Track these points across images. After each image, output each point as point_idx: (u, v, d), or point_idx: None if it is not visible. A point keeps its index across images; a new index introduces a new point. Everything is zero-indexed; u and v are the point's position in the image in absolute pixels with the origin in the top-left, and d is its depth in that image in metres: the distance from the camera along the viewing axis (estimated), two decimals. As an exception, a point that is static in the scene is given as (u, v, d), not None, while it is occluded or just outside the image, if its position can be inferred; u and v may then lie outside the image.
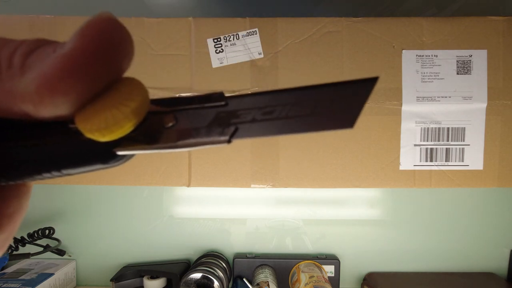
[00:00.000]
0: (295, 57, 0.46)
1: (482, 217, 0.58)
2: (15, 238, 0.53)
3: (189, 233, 0.60)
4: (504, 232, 0.58)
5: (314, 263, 0.55)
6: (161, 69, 0.47)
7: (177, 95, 0.09)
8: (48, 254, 0.55)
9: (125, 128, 0.10)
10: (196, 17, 0.46)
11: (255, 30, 0.46)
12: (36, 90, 0.09)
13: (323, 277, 0.50)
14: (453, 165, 0.47)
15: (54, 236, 0.57)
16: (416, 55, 0.46)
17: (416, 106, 0.46)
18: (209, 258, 0.55)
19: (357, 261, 0.59)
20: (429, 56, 0.46)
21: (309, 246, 0.59)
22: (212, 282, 0.49)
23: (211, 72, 0.46)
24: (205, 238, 0.60)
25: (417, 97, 0.46)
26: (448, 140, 0.47)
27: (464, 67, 0.46)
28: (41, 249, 0.53)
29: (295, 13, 0.58)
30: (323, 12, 0.58)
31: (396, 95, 0.46)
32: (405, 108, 0.46)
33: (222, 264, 0.54)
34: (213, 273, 0.49)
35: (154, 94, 0.47)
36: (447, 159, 0.47)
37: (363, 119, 0.47)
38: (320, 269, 0.54)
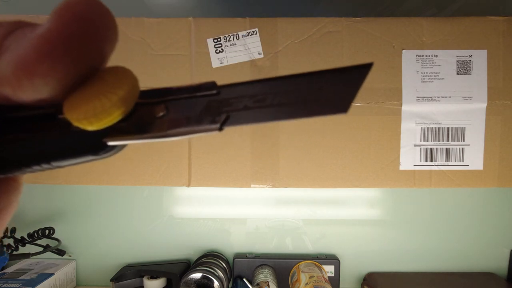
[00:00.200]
0: (295, 57, 0.46)
1: (482, 217, 0.58)
2: (15, 238, 0.53)
3: (189, 233, 0.60)
4: (504, 232, 0.58)
5: (314, 263, 0.55)
6: (161, 69, 0.47)
7: (168, 86, 0.09)
8: (48, 254, 0.55)
9: (113, 116, 0.10)
10: (196, 17, 0.46)
11: (255, 30, 0.46)
12: (13, 73, 0.09)
13: (323, 277, 0.50)
14: (453, 165, 0.47)
15: (54, 236, 0.57)
16: (416, 55, 0.46)
17: (416, 106, 0.46)
18: (209, 258, 0.55)
19: (357, 261, 0.59)
20: (429, 56, 0.46)
21: (309, 246, 0.59)
22: (212, 282, 0.49)
23: (211, 72, 0.46)
24: (205, 238, 0.60)
25: (417, 97, 0.46)
26: (448, 140, 0.47)
27: (464, 67, 0.46)
28: (41, 249, 0.53)
29: (295, 13, 0.58)
30: (323, 12, 0.58)
31: (396, 95, 0.46)
32: (405, 108, 0.46)
33: (222, 264, 0.54)
34: (213, 273, 0.49)
35: (154, 94, 0.47)
36: (447, 159, 0.47)
37: (363, 119, 0.47)
38: (320, 269, 0.54)
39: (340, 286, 0.56)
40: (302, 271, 0.52)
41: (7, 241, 0.53)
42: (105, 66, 0.10)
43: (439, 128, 0.47)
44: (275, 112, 0.10)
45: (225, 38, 0.46)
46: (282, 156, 0.47)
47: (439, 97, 0.46)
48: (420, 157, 0.47)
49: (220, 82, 0.10)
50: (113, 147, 0.11)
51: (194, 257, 0.59)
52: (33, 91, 0.09)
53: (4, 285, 0.49)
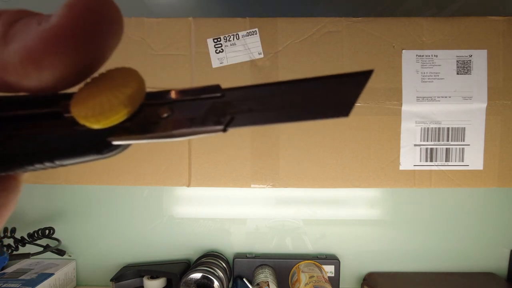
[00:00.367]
0: (295, 57, 0.46)
1: (482, 217, 0.58)
2: (15, 238, 0.53)
3: (189, 233, 0.60)
4: (504, 232, 0.58)
5: (314, 263, 0.55)
6: (161, 69, 0.47)
7: (173, 88, 0.10)
8: (48, 254, 0.55)
9: (120, 115, 0.10)
10: (196, 17, 0.46)
11: (255, 30, 0.46)
12: (21, 62, 0.09)
13: (323, 277, 0.50)
14: (453, 165, 0.47)
15: (54, 236, 0.57)
16: (416, 55, 0.46)
17: (416, 106, 0.46)
18: (209, 258, 0.55)
19: (357, 261, 0.59)
20: (429, 56, 0.46)
21: (309, 246, 0.59)
22: (212, 282, 0.49)
23: (211, 72, 0.46)
24: (205, 238, 0.60)
25: (417, 97, 0.46)
26: (448, 140, 0.47)
27: (464, 67, 0.46)
28: (41, 249, 0.53)
29: (295, 13, 0.58)
30: (323, 12, 0.58)
31: (396, 95, 0.46)
32: (405, 108, 0.46)
33: (222, 264, 0.54)
34: (213, 273, 0.49)
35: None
36: (447, 159, 0.47)
37: (363, 119, 0.47)
38: (320, 269, 0.54)
39: (340, 286, 0.56)
40: (302, 271, 0.52)
41: (7, 241, 0.53)
42: (109, 59, 0.10)
43: (439, 128, 0.47)
44: (278, 114, 0.10)
45: (225, 38, 0.46)
46: (282, 156, 0.47)
47: (439, 97, 0.46)
48: (420, 157, 0.47)
49: (220, 82, 0.10)
50: (118, 146, 0.11)
51: (194, 257, 0.59)
52: (37, 81, 0.09)
53: (4, 285, 0.49)
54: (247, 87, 0.10)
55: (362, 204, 0.59)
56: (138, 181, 0.48)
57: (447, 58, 0.46)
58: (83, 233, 0.59)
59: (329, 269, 0.56)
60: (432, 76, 0.46)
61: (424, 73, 0.46)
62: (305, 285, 0.48)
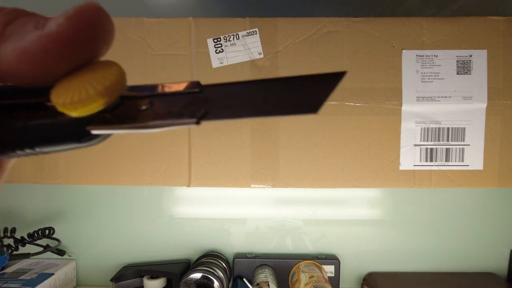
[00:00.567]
0: (295, 57, 0.46)
1: (482, 217, 0.58)
2: (15, 238, 0.53)
3: (189, 233, 0.60)
4: (504, 232, 0.58)
5: (314, 263, 0.55)
6: (161, 69, 0.47)
7: (154, 83, 0.10)
8: (48, 254, 0.55)
9: (97, 104, 0.10)
10: (196, 17, 0.46)
11: (255, 30, 0.46)
12: (16, 62, 0.10)
13: (323, 277, 0.50)
14: (453, 165, 0.47)
15: (54, 236, 0.57)
16: (416, 55, 0.46)
17: (416, 106, 0.46)
18: (209, 258, 0.55)
19: (357, 261, 0.59)
20: (429, 56, 0.46)
21: (309, 246, 0.59)
22: (212, 282, 0.49)
23: (211, 72, 0.46)
24: (205, 238, 0.60)
25: (417, 97, 0.46)
26: (448, 140, 0.47)
27: (464, 67, 0.46)
28: (41, 249, 0.53)
29: (295, 13, 0.58)
30: (323, 12, 0.58)
31: (396, 95, 0.46)
32: (405, 108, 0.46)
33: (222, 264, 0.54)
34: (213, 273, 0.49)
35: (154, 94, 0.47)
36: (447, 159, 0.47)
37: (363, 119, 0.47)
38: (320, 269, 0.54)
39: (340, 286, 0.56)
40: (302, 271, 0.52)
41: (7, 241, 0.53)
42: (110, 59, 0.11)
43: (439, 128, 0.47)
44: (251, 110, 0.10)
45: (225, 38, 0.46)
46: (282, 156, 0.47)
47: (439, 97, 0.46)
48: (420, 157, 0.47)
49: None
50: (96, 136, 0.11)
51: (194, 257, 0.59)
52: (29, 77, 0.10)
53: (4, 285, 0.49)
54: (226, 84, 0.11)
55: (362, 204, 0.59)
56: (138, 181, 0.48)
57: (447, 58, 0.46)
58: (83, 233, 0.59)
59: (329, 269, 0.56)
60: (432, 76, 0.46)
61: (424, 73, 0.46)
62: (305, 285, 0.48)
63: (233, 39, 0.46)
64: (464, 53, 0.46)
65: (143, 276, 0.55)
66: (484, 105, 0.46)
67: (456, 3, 0.57)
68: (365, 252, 0.59)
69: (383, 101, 0.46)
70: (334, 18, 0.46)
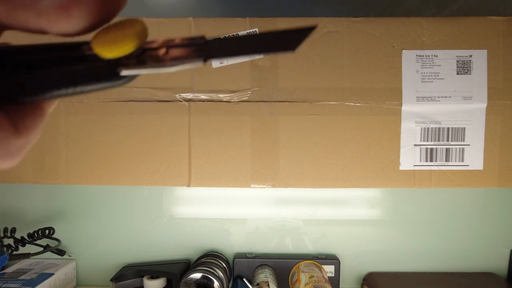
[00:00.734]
0: (295, 57, 0.46)
1: (482, 217, 0.58)
2: (15, 238, 0.53)
3: (189, 233, 0.60)
4: (504, 232, 0.58)
5: (314, 263, 0.55)
6: (161, 69, 0.46)
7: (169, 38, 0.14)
8: (48, 254, 0.55)
9: (129, 46, 0.13)
10: (196, 17, 0.46)
11: (255, 30, 0.46)
12: (56, 11, 0.11)
13: (323, 277, 0.50)
14: (453, 165, 0.47)
15: (54, 236, 0.57)
16: (416, 55, 0.46)
17: (416, 106, 0.46)
18: (209, 258, 0.55)
19: (357, 261, 0.59)
20: (429, 56, 0.46)
21: (309, 246, 0.59)
22: (212, 282, 0.49)
23: (211, 72, 0.46)
24: (205, 238, 0.60)
25: (417, 97, 0.46)
26: (448, 140, 0.47)
27: (464, 67, 0.46)
28: (41, 249, 0.53)
29: (295, 13, 0.58)
30: (323, 12, 0.58)
31: (396, 95, 0.46)
32: (405, 108, 0.46)
33: (222, 264, 0.54)
34: (213, 273, 0.49)
35: (154, 94, 0.47)
36: (447, 159, 0.47)
37: (363, 119, 0.47)
38: (320, 269, 0.54)
39: (340, 286, 0.56)
40: (302, 271, 0.52)
41: (7, 241, 0.53)
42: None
43: (439, 128, 0.47)
44: (244, 51, 0.14)
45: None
46: (282, 156, 0.47)
47: (439, 97, 0.46)
48: (420, 157, 0.47)
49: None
50: (124, 76, 0.14)
51: (194, 257, 0.59)
52: (66, 28, 0.12)
53: (4, 285, 0.49)
54: (225, 37, 0.14)
55: (362, 204, 0.59)
56: (138, 181, 0.48)
57: (447, 58, 0.46)
58: (83, 233, 0.59)
59: (329, 269, 0.56)
60: (432, 76, 0.46)
61: (424, 73, 0.46)
62: (305, 285, 0.48)
63: (233, 39, 0.46)
64: (464, 53, 0.46)
65: (143, 276, 0.55)
66: (484, 105, 0.46)
67: (456, 3, 0.57)
68: (365, 252, 0.59)
69: (383, 101, 0.46)
70: (334, 18, 0.46)
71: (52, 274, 0.53)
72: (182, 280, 0.49)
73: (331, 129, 0.47)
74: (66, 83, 0.14)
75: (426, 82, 0.46)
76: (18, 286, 0.48)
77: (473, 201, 0.58)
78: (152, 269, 0.55)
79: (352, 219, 0.59)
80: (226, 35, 0.17)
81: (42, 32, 0.12)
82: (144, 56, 0.14)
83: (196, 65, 0.14)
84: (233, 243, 0.60)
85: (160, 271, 0.54)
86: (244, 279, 0.53)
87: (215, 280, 0.49)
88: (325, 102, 0.47)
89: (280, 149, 0.47)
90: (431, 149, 0.47)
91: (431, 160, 0.47)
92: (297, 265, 0.55)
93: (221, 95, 0.47)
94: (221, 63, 0.46)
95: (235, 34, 0.17)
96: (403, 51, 0.46)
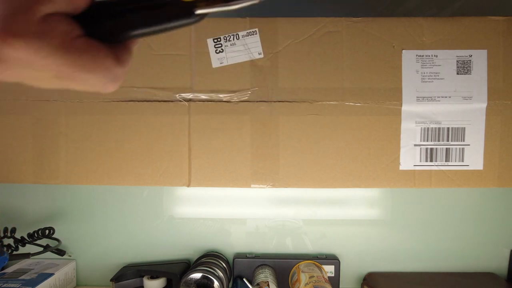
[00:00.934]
0: (295, 57, 0.46)
1: (482, 217, 0.58)
2: (15, 238, 0.53)
3: (189, 233, 0.60)
4: (504, 232, 0.58)
5: (314, 263, 0.55)
6: (161, 69, 0.47)
7: None
8: (48, 254, 0.55)
9: None
10: (196, 17, 0.46)
11: (255, 30, 0.46)
12: None
13: (323, 277, 0.50)
14: (453, 165, 0.47)
15: (54, 236, 0.57)
16: (416, 55, 0.46)
17: (416, 106, 0.46)
18: (209, 258, 0.55)
19: (357, 261, 0.59)
20: (429, 56, 0.46)
21: (309, 246, 0.59)
22: (212, 282, 0.49)
23: (211, 72, 0.46)
24: (205, 238, 0.60)
25: (417, 97, 0.46)
26: (448, 140, 0.47)
27: (464, 67, 0.46)
28: (41, 249, 0.53)
29: (295, 13, 0.58)
30: (323, 12, 0.58)
31: (396, 95, 0.46)
32: (405, 108, 0.46)
33: (222, 264, 0.54)
34: (213, 273, 0.49)
35: (154, 94, 0.47)
36: (447, 159, 0.47)
37: (363, 119, 0.47)
38: (320, 269, 0.54)
39: (340, 286, 0.57)
40: (302, 271, 0.52)
41: (7, 241, 0.53)
42: None
43: (439, 128, 0.47)
44: None
45: (225, 38, 0.46)
46: (282, 156, 0.47)
47: (439, 97, 0.46)
48: (420, 157, 0.47)
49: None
50: (199, 14, 0.18)
51: (194, 257, 0.59)
52: None
53: (4, 285, 0.49)
54: None
55: (362, 204, 0.59)
56: (138, 181, 0.48)
57: (447, 58, 0.46)
58: (83, 233, 0.59)
59: (329, 269, 0.56)
60: (432, 76, 0.46)
61: (424, 73, 0.46)
62: (305, 285, 0.48)
63: (233, 39, 0.46)
64: (464, 53, 0.46)
65: (143, 276, 0.55)
66: (484, 105, 0.46)
67: (456, 3, 0.57)
68: (365, 252, 0.59)
69: (383, 101, 0.46)
70: (334, 18, 0.46)
71: (52, 274, 0.53)
72: (182, 280, 0.49)
73: (331, 129, 0.47)
74: (152, 23, 0.18)
75: (426, 82, 0.46)
76: (18, 286, 0.48)
77: (473, 201, 0.58)
78: (152, 269, 0.55)
79: (352, 219, 0.59)
80: None
81: None
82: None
83: (253, 3, 0.18)
84: (233, 243, 0.60)
85: (160, 271, 0.54)
86: (244, 279, 0.53)
87: (215, 280, 0.49)
88: (325, 102, 0.47)
89: (280, 149, 0.47)
90: (431, 149, 0.47)
91: (431, 160, 0.47)
92: (297, 265, 0.55)
93: (221, 95, 0.47)
94: (221, 63, 0.46)
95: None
96: (403, 51, 0.46)
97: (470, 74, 0.46)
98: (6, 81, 0.16)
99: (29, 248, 0.53)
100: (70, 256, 0.59)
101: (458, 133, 0.46)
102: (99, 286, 0.59)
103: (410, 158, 0.47)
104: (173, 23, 0.18)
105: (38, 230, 0.55)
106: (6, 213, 0.59)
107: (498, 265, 0.58)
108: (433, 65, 0.46)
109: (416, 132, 0.47)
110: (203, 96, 0.47)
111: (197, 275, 0.49)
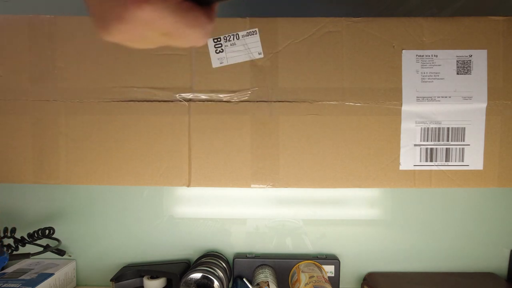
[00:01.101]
0: (295, 57, 0.46)
1: (482, 217, 0.58)
2: (15, 238, 0.53)
3: (189, 233, 0.60)
4: (504, 232, 0.58)
5: (314, 263, 0.55)
6: (161, 69, 0.47)
7: None
8: (48, 254, 0.55)
9: None
10: (196, 17, 0.46)
11: (255, 30, 0.46)
12: None
13: (323, 277, 0.50)
14: (453, 165, 0.47)
15: (54, 236, 0.57)
16: (416, 55, 0.46)
17: (416, 106, 0.46)
18: (209, 258, 0.55)
19: (357, 261, 0.59)
20: (429, 56, 0.46)
21: (309, 246, 0.59)
22: (212, 282, 0.49)
23: (211, 72, 0.46)
24: (205, 238, 0.60)
25: (417, 97, 0.46)
26: (448, 140, 0.47)
27: (464, 67, 0.46)
28: (41, 249, 0.53)
29: (295, 13, 0.58)
30: (323, 12, 0.58)
31: (396, 95, 0.46)
32: (405, 108, 0.46)
33: (222, 264, 0.54)
34: (213, 273, 0.49)
35: (154, 94, 0.47)
36: (447, 159, 0.47)
37: (363, 119, 0.47)
38: (320, 269, 0.54)
39: (340, 286, 0.57)
40: (302, 271, 0.52)
41: (7, 241, 0.53)
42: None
43: (439, 128, 0.47)
44: None
45: (225, 38, 0.46)
46: (282, 156, 0.47)
47: (439, 97, 0.46)
48: (420, 157, 0.47)
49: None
50: None
51: (194, 257, 0.59)
52: None
53: (4, 285, 0.49)
54: None
55: (362, 204, 0.59)
56: (138, 181, 0.48)
57: (447, 58, 0.46)
58: (83, 233, 0.59)
59: (329, 269, 0.56)
60: (432, 76, 0.46)
61: (424, 73, 0.46)
62: (305, 285, 0.48)
63: (233, 39, 0.46)
64: (464, 53, 0.46)
65: (143, 276, 0.55)
66: (484, 105, 0.46)
67: (456, 3, 0.57)
68: (365, 252, 0.59)
69: (383, 101, 0.46)
70: (334, 18, 0.46)
71: (52, 274, 0.53)
72: (182, 280, 0.49)
73: (331, 129, 0.47)
74: None
75: (426, 82, 0.46)
76: (18, 286, 0.48)
77: (473, 201, 0.58)
78: (152, 269, 0.55)
79: (352, 219, 0.59)
80: None
81: None
82: None
83: None
84: (233, 243, 0.60)
85: (160, 271, 0.54)
86: (244, 279, 0.53)
87: (215, 280, 0.49)
88: (325, 102, 0.47)
89: (280, 149, 0.47)
90: (431, 149, 0.47)
91: (431, 160, 0.47)
92: (297, 265, 0.55)
93: (221, 95, 0.47)
94: (221, 63, 0.46)
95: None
96: (403, 51, 0.46)
97: (470, 74, 0.46)
98: (121, 42, 0.20)
99: (29, 248, 0.53)
100: (70, 256, 0.59)
101: (458, 133, 0.46)
102: (99, 286, 0.59)
103: (410, 158, 0.47)
104: None
105: (38, 230, 0.55)
106: (6, 213, 0.59)
107: (498, 265, 0.58)
108: (433, 65, 0.46)
109: (416, 132, 0.47)
110: (203, 96, 0.47)
111: (197, 275, 0.49)
